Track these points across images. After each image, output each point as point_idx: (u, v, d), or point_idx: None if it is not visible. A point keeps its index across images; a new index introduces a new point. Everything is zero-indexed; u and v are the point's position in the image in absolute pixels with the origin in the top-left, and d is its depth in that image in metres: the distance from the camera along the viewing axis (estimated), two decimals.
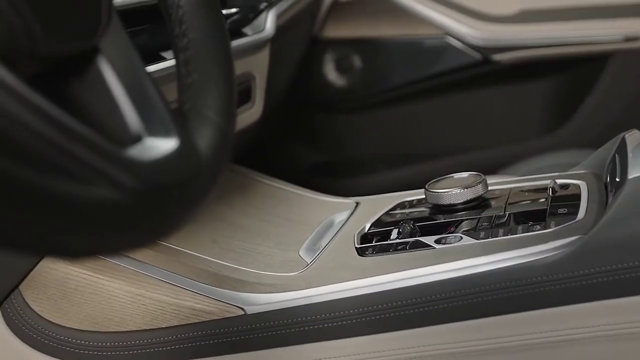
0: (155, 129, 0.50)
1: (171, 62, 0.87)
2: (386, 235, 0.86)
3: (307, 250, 0.88)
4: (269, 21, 1.07)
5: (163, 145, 0.49)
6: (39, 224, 0.39)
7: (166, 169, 0.47)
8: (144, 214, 0.44)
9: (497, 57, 1.55)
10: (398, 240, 0.83)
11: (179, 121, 0.51)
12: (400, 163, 1.65)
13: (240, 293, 0.79)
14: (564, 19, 1.53)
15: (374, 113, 1.65)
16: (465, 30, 1.54)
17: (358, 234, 0.88)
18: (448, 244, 0.80)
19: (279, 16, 1.12)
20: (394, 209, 0.94)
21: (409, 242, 0.82)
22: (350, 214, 0.96)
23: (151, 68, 0.85)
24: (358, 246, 0.85)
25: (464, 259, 0.76)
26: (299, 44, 1.48)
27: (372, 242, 0.86)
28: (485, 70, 1.57)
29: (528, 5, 1.55)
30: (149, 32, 0.89)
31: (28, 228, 0.39)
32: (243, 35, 1.03)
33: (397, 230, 0.86)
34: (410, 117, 1.64)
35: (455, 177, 0.92)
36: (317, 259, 0.85)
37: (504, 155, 1.56)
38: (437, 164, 1.62)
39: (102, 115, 0.50)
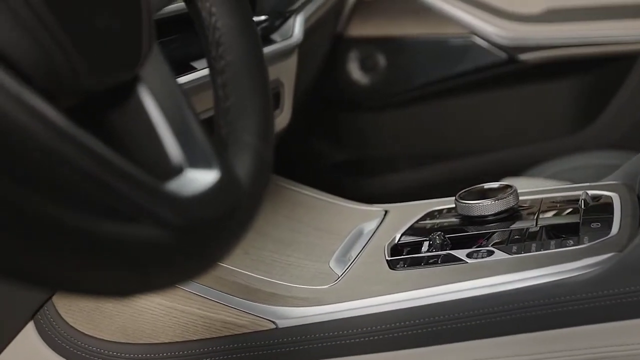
0: (196, 160, 0.50)
1: (202, 73, 0.87)
2: (417, 247, 0.86)
3: (337, 261, 0.88)
4: (296, 27, 1.07)
5: (204, 178, 0.49)
6: (79, 265, 0.39)
7: (209, 203, 0.47)
8: (188, 251, 0.44)
9: (523, 56, 1.54)
10: (429, 254, 0.83)
11: (218, 150, 0.51)
12: (424, 162, 1.65)
13: (272, 306, 0.80)
14: (590, 19, 1.52)
15: (398, 112, 1.65)
16: (491, 29, 1.54)
17: (388, 245, 0.88)
18: (480, 258, 0.80)
19: (306, 20, 1.11)
20: (423, 218, 0.94)
21: (440, 255, 0.82)
22: (379, 223, 0.96)
23: (182, 79, 0.85)
24: (389, 258, 0.85)
25: (496, 275, 0.76)
26: (323, 44, 1.48)
27: (402, 254, 0.86)
28: (510, 70, 1.56)
29: (554, 4, 1.54)
30: (179, 41, 0.89)
31: (68, 270, 0.39)
32: (271, 42, 1.03)
33: (428, 242, 0.85)
34: (435, 116, 1.64)
35: (485, 187, 0.92)
36: (347, 271, 0.85)
37: (529, 156, 1.55)
38: (461, 163, 1.62)
39: (143, 146, 0.50)
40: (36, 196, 0.40)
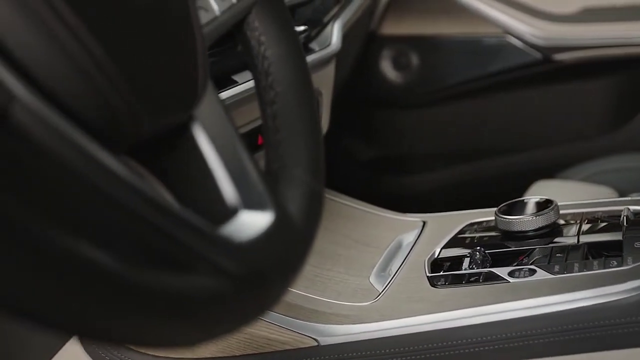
0: (251, 201, 0.50)
1: (244, 87, 0.87)
2: (457, 263, 0.86)
3: (377, 276, 0.88)
4: (334, 35, 1.07)
5: (259, 221, 0.49)
6: (139, 320, 0.39)
7: (265, 248, 0.47)
8: (247, 298, 0.45)
9: (558, 56, 1.52)
10: (470, 271, 0.83)
11: (272, 190, 0.52)
12: (456, 161, 1.64)
13: (314, 324, 0.80)
14: (627, 19, 1.50)
15: (431, 110, 1.64)
16: (525, 29, 1.52)
17: (428, 259, 0.88)
18: (522, 277, 0.80)
19: (343, 26, 1.11)
20: (462, 231, 0.94)
21: (481, 273, 0.82)
22: (418, 235, 0.96)
23: (224, 94, 0.85)
24: (429, 275, 0.85)
25: (539, 296, 0.76)
26: (357, 44, 1.48)
27: (443, 269, 0.86)
28: (545, 70, 1.55)
29: (590, 3, 1.53)
30: (219, 55, 0.89)
31: (129, 325, 0.39)
32: (310, 50, 1.03)
33: (468, 258, 0.85)
34: (468, 115, 1.63)
35: (525, 201, 0.92)
36: (388, 287, 0.85)
37: (563, 156, 1.55)
38: (493, 162, 1.61)
39: (198, 187, 0.50)
40: (91, 245, 0.41)
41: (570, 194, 1.25)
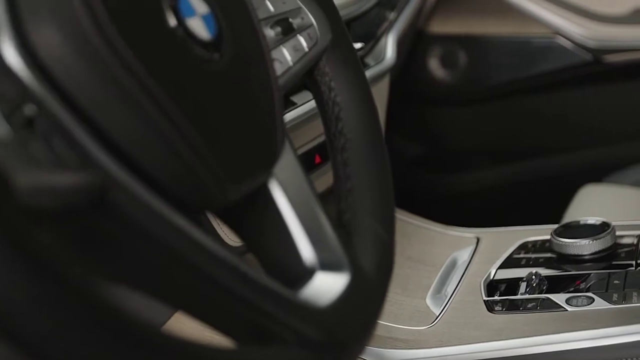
0: (328, 262, 0.51)
1: (304, 109, 0.87)
2: (513, 286, 0.87)
3: (433, 298, 0.89)
4: (389, 49, 1.07)
5: (337, 283, 0.50)
6: None
7: (344, 312, 0.48)
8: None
9: (609, 58, 1.51)
10: (528, 296, 0.84)
11: (347, 248, 0.52)
12: (501, 161, 1.64)
13: (373, 348, 0.81)
14: None
15: (477, 109, 1.64)
16: (576, 30, 1.51)
17: (484, 281, 0.89)
18: (580, 306, 0.80)
19: (398, 38, 1.11)
20: (517, 251, 0.95)
21: (539, 299, 0.83)
22: (472, 253, 0.97)
23: (285, 117, 0.86)
24: (486, 299, 0.86)
25: (597, 327, 0.77)
26: (406, 44, 1.48)
27: (499, 291, 0.87)
28: (595, 71, 1.54)
29: None
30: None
31: None
32: (366, 66, 1.03)
33: (525, 282, 0.86)
34: (514, 115, 1.63)
35: (581, 222, 0.92)
36: (445, 310, 0.86)
37: (611, 158, 1.54)
38: (540, 163, 1.61)
39: (276, 247, 0.51)
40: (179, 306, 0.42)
41: (620, 200, 1.25)
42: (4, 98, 0.37)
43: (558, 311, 0.81)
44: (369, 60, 1.05)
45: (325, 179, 0.95)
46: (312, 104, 0.86)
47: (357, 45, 1.00)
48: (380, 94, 1.07)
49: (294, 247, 0.51)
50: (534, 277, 0.86)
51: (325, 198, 0.89)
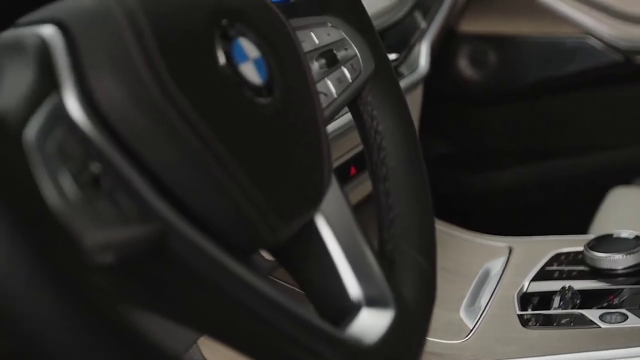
0: (373, 299, 0.52)
1: (339, 122, 0.88)
2: (546, 300, 0.88)
3: (467, 310, 0.90)
4: (422, 58, 1.08)
5: (382, 319, 0.51)
6: None
7: (389, 349, 0.50)
8: None
9: None
10: (561, 311, 0.85)
11: (392, 283, 0.54)
12: (530, 160, 1.65)
13: None
14: None
15: (507, 108, 1.64)
16: (607, 30, 1.51)
17: (517, 294, 0.90)
18: (613, 323, 0.81)
19: (431, 46, 1.12)
20: (550, 263, 0.95)
21: (572, 315, 0.84)
22: (504, 263, 0.98)
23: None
24: (519, 313, 0.87)
25: (631, 345, 0.78)
26: (437, 44, 1.48)
27: (532, 304, 0.88)
28: (625, 72, 1.54)
29: None
30: None
31: None
32: (400, 75, 1.04)
33: (558, 297, 0.87)
34: (543, 115, 1.63)
35: (614, 236, 0.93)
36: (479, 324, 0.87)
37: (637, 158, 1.54)
38: (568, 163, 1.61)
39: (323, 283, 0.53)
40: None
41: None
42: (72, 157, 0.38)
43: (592, 328, 0.81)
44: (402, 69, 1.06)
45: (361, 190, 0.96)
46: (347, 117, 0.87)
47: (392, 57, 1.01)
48: (414, 102, 1.08)
49: (340, 282, 0.53)
50: (567, 291, 0.87)
51: (359, 209, 0.90)
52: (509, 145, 1.67)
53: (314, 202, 0.52)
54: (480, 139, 1.68)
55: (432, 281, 0.58)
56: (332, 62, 0.61)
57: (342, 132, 0.89)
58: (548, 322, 0.84)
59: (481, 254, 1.01)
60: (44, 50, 0.41)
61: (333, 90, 0.60)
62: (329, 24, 0.62)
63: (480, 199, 1.65)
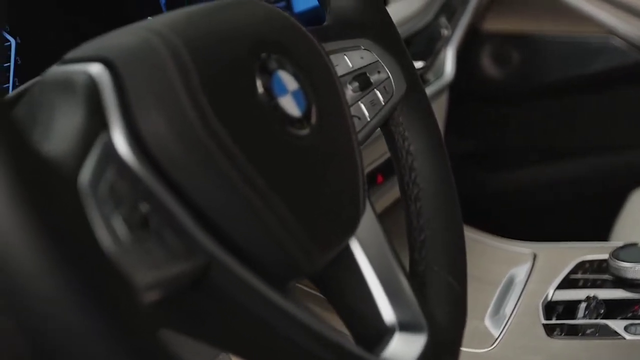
0: (407, 322, 0.53)
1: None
2: (571, 308, 0.89)
3: (492, 318, 0.91)
4: (448, 64, 1.08)
5: (415, 344, 0.52)
6: None
7: None
8: None
9: None
10: (586, 321, 0.86)
11: (424, 305, 0.55)
12: (551, 158, 1.65)
13: None
14: None
15: (528, 106, 1.65)
16: (630, 30, 1.51)
17: (542, 302, 0.91)
18: (638, 334, 0.82)
19: (456, 52, 1.12)
20: (574, 270, 0.96)
21: (598, 325, 0.85)
22: (529, 270, 0.99)
23: None
24: (544, 322, 0.88)
25: None
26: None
27: (556, 313, 0.89)
28: None
29: None
30: None
31: None
32: (425, 82, 1.05)
33: (583, 306, 0.88)
34: (565, 113, 1.63)
35: (639, 246, 0.94)
36: (504, 333, 0.88)
37: None
38: (589, 162, 1.61)
39: (357, 306, 0.54)
40: None
41: None
42: (122, 199, 0.40)
43: (616, 339, 0.82)
44: (428, 75, 1.07)
45: (387, 197, 0.98)
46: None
47: (418, 64, 1.02)
48: (440, 107, 1.09)
49: (374, 307, 0.54)
50: (592, 301, 0.88)
51: (385, 215, 0.91)
52: (530, 143, 1.67)
53: (350, 229, 0.53)
54: (501, 136, 1.68)
55: (463, 303, 0.59)
56: (365, 85, 0.62)
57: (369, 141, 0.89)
58: (573, 332, 0.85)
59: (506, 260, 1.02)
60: (92, 88, 0.42)
61: (366, 113, 0.61)
62: (362, 47, 0.63)
63: (498, 197, 1.66)
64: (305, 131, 0.49)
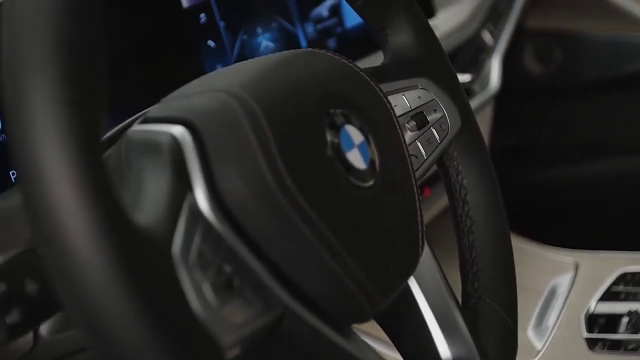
0: (461, 357, 0.56)
1: None
2: (614, 322, 0.91)
3: (535, 330, 0.94)
4: (493, 74, 1.10)
5: None
6: None
7: None
8: None
9: None
10: (628, 336, 0.88)
11: (477, 340, 0.58)
12: (590, 156, 1.66)
13: None
14: None
15: (568, 104, 1.66)
16: None
17: (584, 315, 0.93)
18: None
19: (501, 61, 1.14)
20: (617, 282, 0.98)
21: (639, 341, 0.87)
22: (571, 281, 1.01)
23: None
24: (586, 336, 0.90)
25: None
26: None
27: (598, 326, 0.91)
28: None
29: None
30: None
31: None
32: (472, 93, 1.07)
33: (626, 320, 0.90)
34: (605, 111, 1.63)
35: None
36: (546, 346, 0.91)
37: None
38: (627, 160, 1.62)
39: (415, 343, 0.57)
40: None
41: None
42: (209, 263, 0.43)
43: None
44: (474, 87, 1.08)
45: (434, 209, 1.00)
46: None
47: (465, 78, 1.04)
48: (485, 118, 1.11)
49: (431, 343, 0.57)
50: (633, 315, 0.90)
51: (432, 225, 0.94)
52: (570, 140, 1.68)
53: (410, 271, 0.56)
54: (541, 133, 1.69)
55: (514, 336, 0.62)
56: (422, 124, 0.64)
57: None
58: (614, 346, 0.88)
59: (548, 269, 1.05)
60: (177, 150, 0.45)
61: (423, 152, 0.64)
62: (419, 86, 0.65)
63: (536, 197, 1.67)
64: (370, 182, 0.52)
